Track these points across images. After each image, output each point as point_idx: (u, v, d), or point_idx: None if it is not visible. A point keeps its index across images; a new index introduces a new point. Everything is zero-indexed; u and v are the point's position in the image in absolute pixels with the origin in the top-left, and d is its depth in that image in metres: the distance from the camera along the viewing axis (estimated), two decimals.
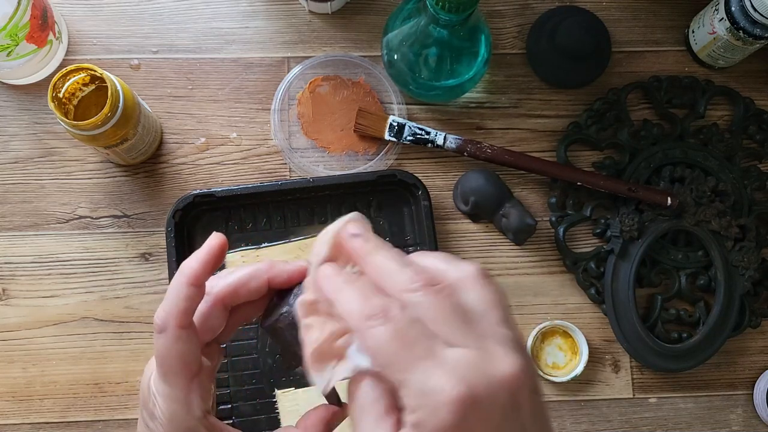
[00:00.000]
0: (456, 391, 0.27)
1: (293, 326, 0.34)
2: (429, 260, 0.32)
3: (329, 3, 0.70)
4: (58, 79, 0.58)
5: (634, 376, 0.69)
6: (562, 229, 0.69)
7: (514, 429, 0.28)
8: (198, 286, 0.35)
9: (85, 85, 0.62)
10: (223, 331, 0.38)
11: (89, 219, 0.68)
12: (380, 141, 0.70)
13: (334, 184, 0.67)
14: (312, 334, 0.31)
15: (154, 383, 0.36)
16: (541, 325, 0.68)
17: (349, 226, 0.32)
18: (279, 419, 0.65)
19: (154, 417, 0.36)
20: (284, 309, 0.36)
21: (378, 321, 0.29)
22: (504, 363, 0.28)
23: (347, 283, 0.31)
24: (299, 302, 0.33)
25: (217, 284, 0.37)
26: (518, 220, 0.67)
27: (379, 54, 0.70)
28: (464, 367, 0.28)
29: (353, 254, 0.32)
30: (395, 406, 0.29)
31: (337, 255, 0.33)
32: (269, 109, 0.70)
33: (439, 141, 0.69)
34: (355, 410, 0.30)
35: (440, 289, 0.30)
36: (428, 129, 0.69)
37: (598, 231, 0.70)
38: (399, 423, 0.29)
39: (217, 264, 0.36)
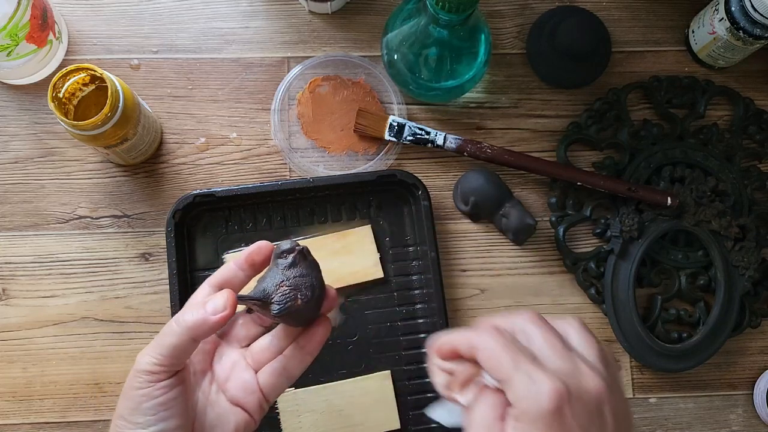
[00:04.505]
0: (556, 385, 0.34)
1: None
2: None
3: (329, 3, 0.70)
4: (58, 79, 0.58)
5: (634, 376, 0.69)
6: (562, 229, 0.69)
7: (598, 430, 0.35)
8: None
9: (85, 85, 0.62)
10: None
11: (89, 219, 0.68)
12: (380, 141, 0.70)
13: (334, 184, 0.67)
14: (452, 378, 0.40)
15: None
16: None
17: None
18: (279, 419, 0.65)
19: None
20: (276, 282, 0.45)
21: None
22: (591, 379, 0.36)
23: (482, 340, 0.39)
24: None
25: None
26: (518, 220, 0.67)
27: (379, 54, 0.70)
28: (561, 373, 0.35)
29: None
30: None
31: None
32: (269, 109, 0.70)
33: (439, 141, 0.69)
34: (477, 414, 0.37)
35: (546, 324, 0.38)
36: (428, 129, 0.69)
37: (598, 231, 0.70)
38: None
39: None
